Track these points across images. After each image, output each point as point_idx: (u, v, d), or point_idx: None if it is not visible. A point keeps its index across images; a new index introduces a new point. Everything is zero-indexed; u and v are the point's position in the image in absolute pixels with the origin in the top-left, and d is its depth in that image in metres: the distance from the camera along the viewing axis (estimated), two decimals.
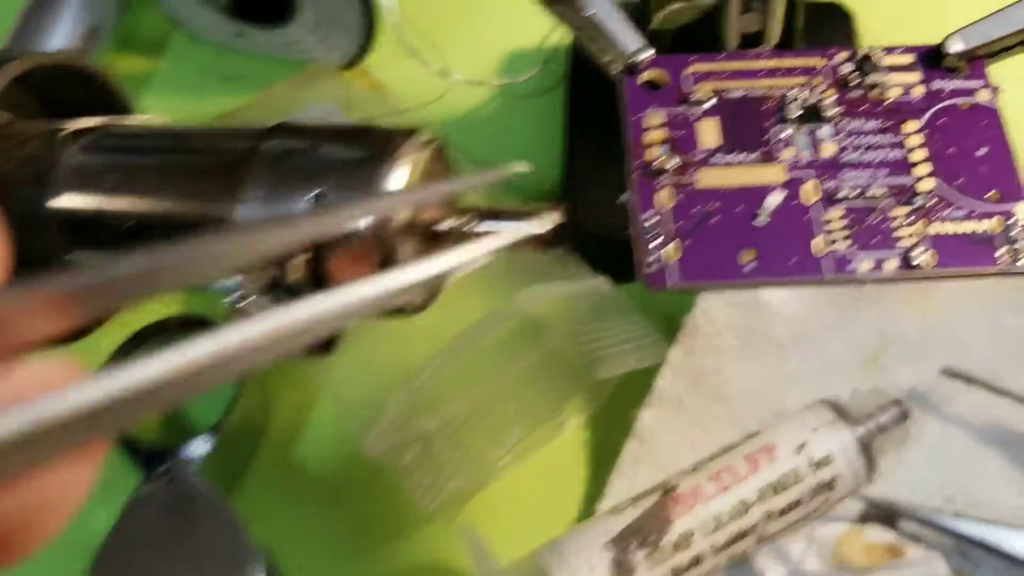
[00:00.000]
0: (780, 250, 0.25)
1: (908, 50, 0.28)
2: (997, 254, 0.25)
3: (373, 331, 0.36)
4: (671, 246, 0.25)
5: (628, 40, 0.27)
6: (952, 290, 0.38)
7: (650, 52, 0.26)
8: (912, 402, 0.37)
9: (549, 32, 0.43)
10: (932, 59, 0.28)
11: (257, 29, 0.43)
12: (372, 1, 0.40)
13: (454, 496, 0.34)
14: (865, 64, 0.27)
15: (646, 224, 0.25)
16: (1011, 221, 0.25)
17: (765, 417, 0.37)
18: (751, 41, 0.32)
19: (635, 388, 0.37)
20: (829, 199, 0.25)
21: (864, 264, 0.25)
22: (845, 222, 0.25)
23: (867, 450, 0.34)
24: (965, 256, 0.25)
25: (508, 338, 0.37)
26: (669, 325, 0.37)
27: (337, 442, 0.37)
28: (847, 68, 0.27)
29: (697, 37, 0.34)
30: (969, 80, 0.27)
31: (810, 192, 0.25)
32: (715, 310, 0.37)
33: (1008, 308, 0.38)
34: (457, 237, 0.27)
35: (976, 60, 0.28)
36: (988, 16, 0.27)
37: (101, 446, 0.12)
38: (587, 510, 0.37)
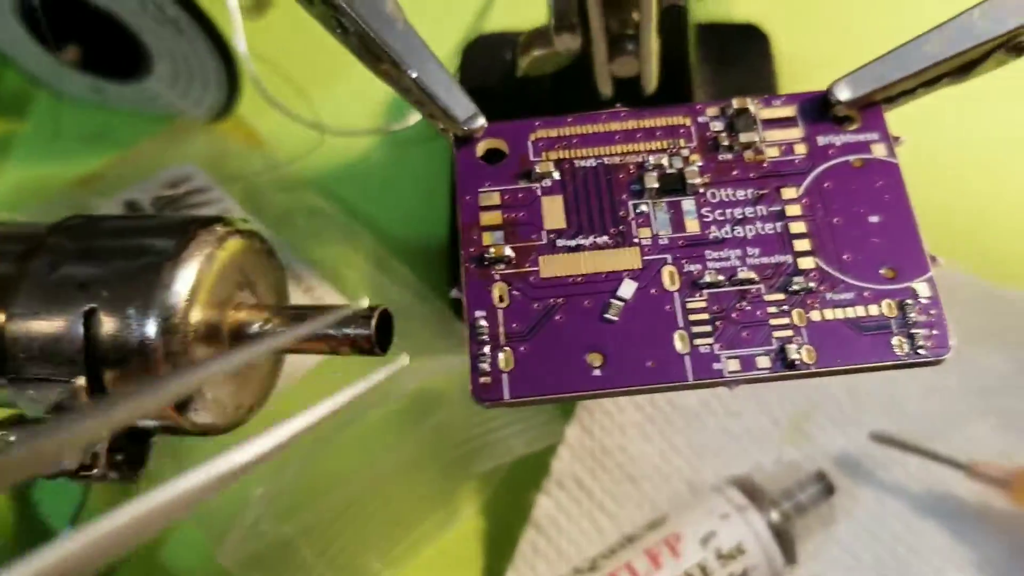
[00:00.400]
0: (634, 351, 0.21)
1: (790, 99, 0.24)
2: (893, 342, 0.21)
3: None
4: (504, 353, 0.21)
5: (457, 106, 0.23)
6: None
7: (480, 121, 0.23)
8: (842, 472, 0.33)
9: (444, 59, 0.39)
10: (819, 109, 0.24)
11: (115, 84, 0.39)
12: (231, 52, 0.36)
13: None
14: (738, 120, 0.23)
15: (477, 327, 0.21)
16: (909, 302, 0.22)
17: (679, 495, 0.33)
18: (629, 87, 0.29)
19: (533, 470, 0.33)
20: (692, 286, 0.22)
21: (732, 363, 0.21)
22: (709, 313, 0.21)
23: (783, 535, 0.30)
24: (853, 348, 0.21)
25: (390, 420, 0.33)
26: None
27: (196, 549, 0.33)
28: (717, 126, 0.24)
29: (575, 86, 0.30)
30: (862, 132, 0.24)
31: (669, 279, 0.22)
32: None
33: (943, 364, 0.34)
34: (265, 339, 0.23)
35: (872, 107, 0.24)
36: (882, 56, 0.24)
37: None
38: None
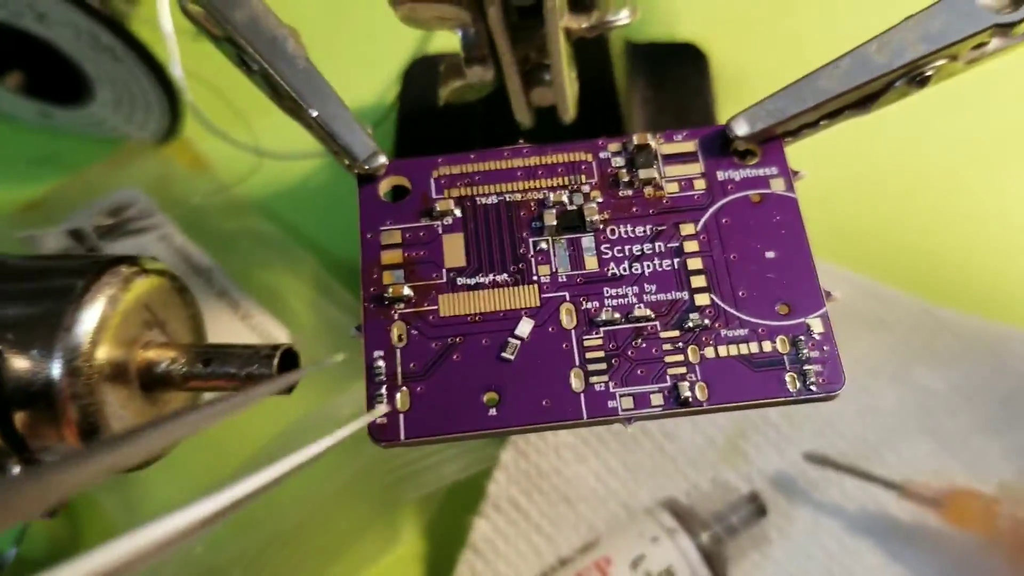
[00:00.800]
0: (531, 390, 0.21)
1: (691, 135, 0.24)
2: (786, 378, 0.21)
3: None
4: (401, 393, 0.21)
5: (357, 145, 0.23)
6: None
7: (381, 160, 0.23)
8: (778, 492, 0.34)
9: (380, 94, 0.39)
10: (720, 144, 0.24)
11: (61, 109, 0.40)
12: (168, 77, 0.36)
13: None
14: (639, 156, 0.24)
15: (374, 367, 0.21)
16: (802, 338, 0.22)
17: (615, 516, 0.33)
18: (550, 116, 0.29)
19: (470, 493, 0.34)
20: (589, 323, 0.22)
21: (626, 401, 0.21)
22: (605, 351, 0.21)
23: (713, 558, 0.30)
24: (745, 384, 0.21)
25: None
26: None
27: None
28: (618, 162, 0.24)
29: (503, 111, 0.31)
30: (762, 167, 0.24)
31: (567, 316, 0.22)
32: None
33: (879, 384, 0.34)
34: (178, 381, 0.23)
35: (772, 141, 0.24)
36: (782, 90, 0.24)
37: None
38: None
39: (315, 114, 0.23)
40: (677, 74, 0.38)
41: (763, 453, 0.34)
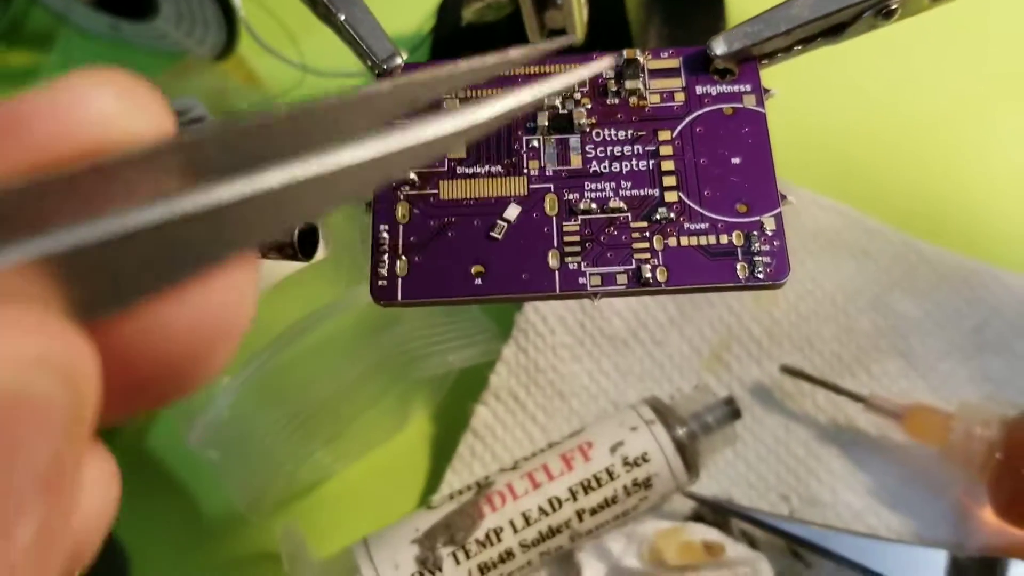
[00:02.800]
0: (512, 265, 0.24)
1: (676, 53, 0.27)
2: (737, 267, 0.24)
3: None
4: (401, 261, 0.25)
5: (378, 46, 0.26)
6: (802, 290, 0.37)
7: (398, 60, 0.26)
8: (754, 399, 0.37)
9: (419, 25, 0.42)
10: (701, 62, 0.27)
11: (129, 23, 0.44)
12: None
13: (277, 496, 0.35)
14: (627, 69, 0.27)
15: (379, 238, 0.25)
16: (755, 233, 0.25)
17: (604, 413, 0.37)
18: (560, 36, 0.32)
19: (474, 383, 0.37)
20: (569, 212, 0.25)
21: (595, 279, 0.24)
22: (581, 236, 0.25)
23: (686, 450, 0.34)
24: (701, 270, 0.24)
25: (348, 329, 0.37)
26: (508, 320, 0.37)
27: (170, 433, 0.37)
28: (608, 73, 0.27)
29: (524, 36, 0.34)
30: (737, 84, 0.26)
31: (550, 205, 0.25)
32: (545, 308, 0.36)
33: (857, 308, 0.37)
34: None
35: (749, 62, 0.27)
36: (758, 15, 0.26)
37: (252, 258, 0.12)
38: (424, 504, 0.37)
39: (343, 18, 0.26)
40: (692, 16, 0.40)
41: (744, 365, 0.37)
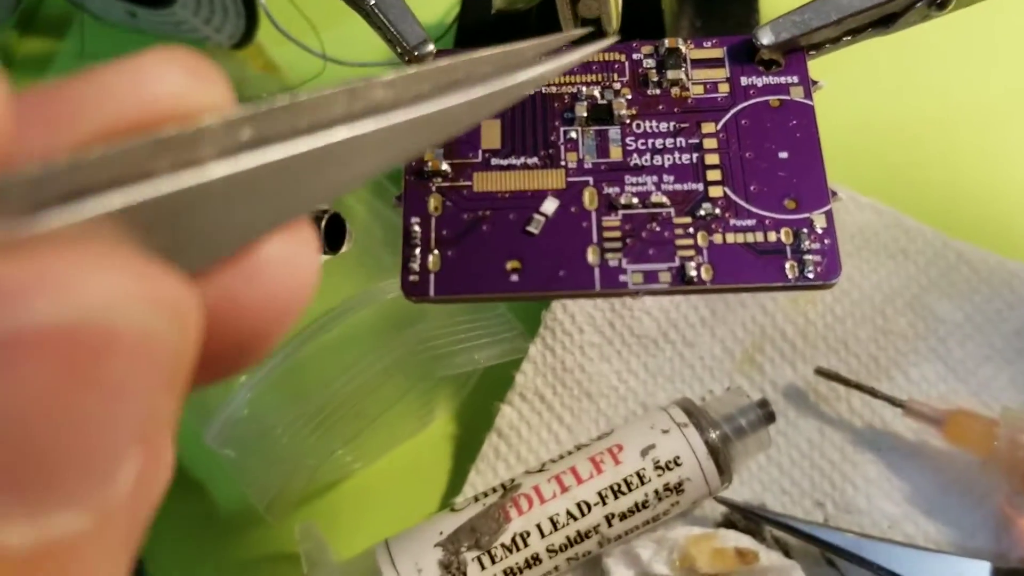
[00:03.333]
0: (550, 261, 0.24)
1: (720, 42, 0.26)
2: (786, 266, 0.23)
3: None
4: (433, 256, 0.24)
5: (409, 32, 0.25)
6: (838, 290, 0.36)
7: (429, 47, 0.25)
8: (788, 403, 0.36)
9: (443, 15, 0.41)
10: (746, 52, 0.26)
11: (146, 10, 0.43)
12: None
13: (295, 496, 0.34)
14: (669, 58, 0.25)
15: (411, 231, 0.24)
16: (805, 230, 0.24)
17: (633, 414, 0.36)
18: (596, 28, 0.31)
19: (499, 382, 0.36)
20: (609, 206, 0.24)
21: (636, 276, 0.23)
22: (621, 231, 0.24)
23: (719, 454, 0.33)
24: (748, 268, 0.23)
25: (371, 325, 0.36)
26: (535, 318, 0.36)
27: (184, 429, 0.36)
28: (649, 63, 0.26)
29: (554, 21, 0.33)
30: (784, 75, 0.25)
31: (589, 199, 0.24)
32: (573, 305, 0.35)
33: (895, 309, 0.36)
34: None
35: (796, 53, 0.26)
36: (807, 4, 0.25)
37: (315, 241, 0.13)
38: (447, 505, 0.36)
39: (372, 2, 0.25)
40: (725, 5, 0.39)
41: (777, 367, 0.36)
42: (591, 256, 0.24)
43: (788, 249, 0.24)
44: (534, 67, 0.13)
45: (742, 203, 0.24)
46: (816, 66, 0.26)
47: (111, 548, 0.09)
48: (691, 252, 0.23)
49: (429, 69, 0.12)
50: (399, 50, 0.26)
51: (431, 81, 0.12)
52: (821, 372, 0.35)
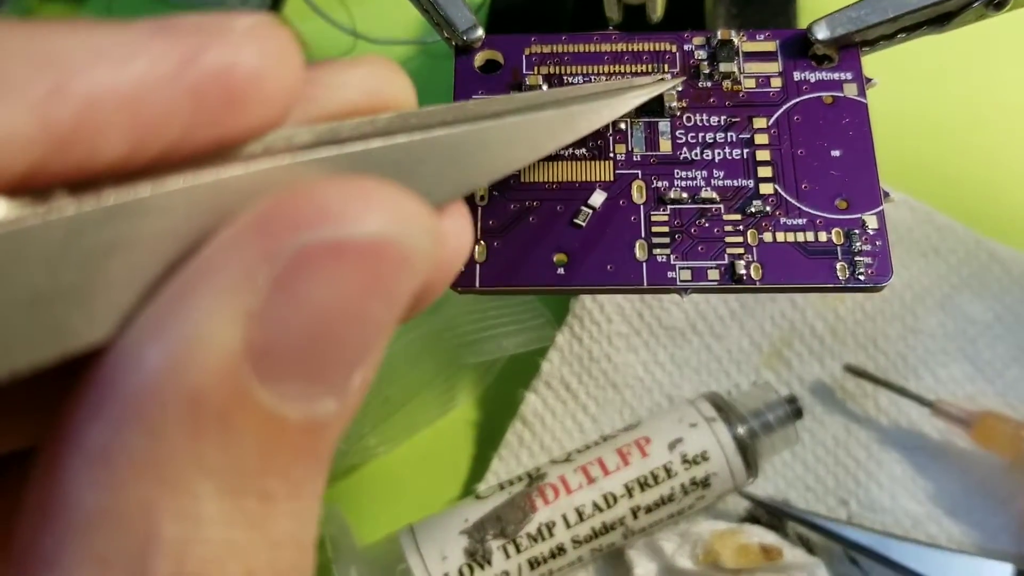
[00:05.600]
0: (597, 255, 0.23)
1: (774, 35, 0.25)
2: (837, 267, 0.23)
3: None
4: (479, 246, 0.23)
5: (459, 17, 0.25)
6: None
7: (479, 32, 0.25)
8: (814, 399, 0.35)
9: None
10: (799, 47, 0.25)
11: None
12: None
13: None
14: (721, 51, 0.25)
15: None
16: (856, 231, 0.23)
17: (658, 406, 0.36)
18: (638, 14, 0.30)
19: (524, 369, 0.36)
20: (657, 200, 0.24)
21: (685, 273, 0.23)
22: (670, 227, 0.23)
23: (747, 449, 0.32)
24: (798, 269, 0.23)
25: None
26: (562, 306, 0.36)
27: None
28: (701, 55, 0.25)
29: (593, 7, 0.32)
30: (837, 71, 0.25)
31: (637, 192, 0.24)
32: (602, 295, 0.35)
33: (925, 308, 0.36)
34: None
35: (850, 48, 0.25)
36: (862, 0, 0.25)
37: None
38: (469, 491, 0.36)
39: None
40: (759, 7, 0.39)
41: (805, 363, 0.36)
42: (639, 251, 0.23)
43: (839, 250, 0.23)
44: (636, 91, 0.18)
45: (793, 201, 0.23)
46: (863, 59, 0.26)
47: (338, 435, 0.11)
48: (740, 250, 0.23)
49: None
50: (446, 35, 0.25)
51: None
52: (850, 369, 0.35)
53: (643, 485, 0.32)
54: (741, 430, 0.32)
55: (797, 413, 0.34)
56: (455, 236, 0.15)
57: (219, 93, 0.10)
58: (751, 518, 0.34)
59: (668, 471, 0.32)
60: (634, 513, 0.32)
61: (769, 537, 0.33)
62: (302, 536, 0.11)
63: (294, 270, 0.10)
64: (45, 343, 0.09)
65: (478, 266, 0.23)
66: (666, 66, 0.25)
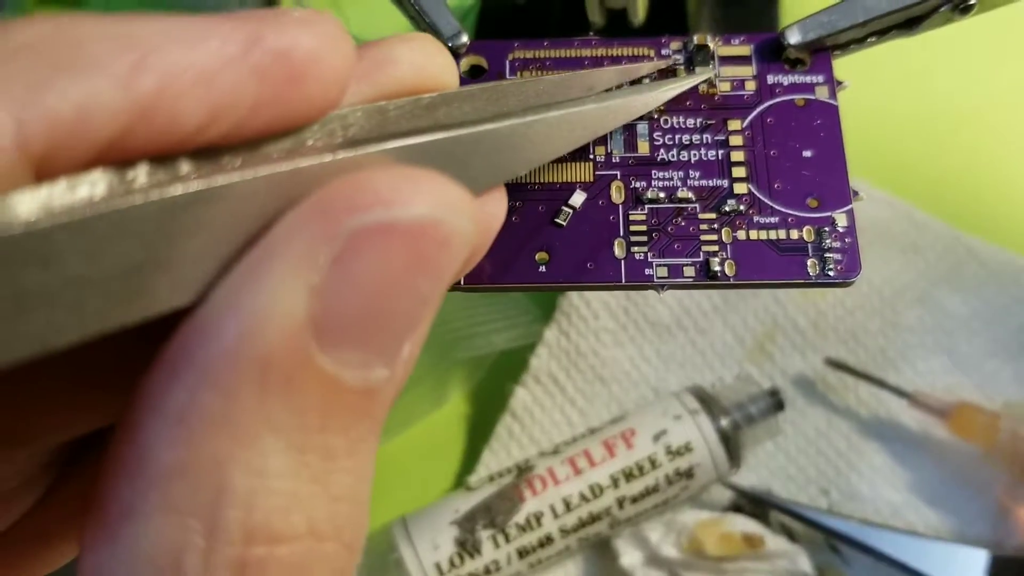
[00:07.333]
0: (577, 253, 0.24)
1: (748, 39, 0.26)
2: (808, 263, 0.24)
3: None
4: None
5: (444, 24, 0.26)
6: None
7: (463, 39, 0.26)
8: (796, 391, 0.36)
9: None
10: (773, 51, 0.26)
11: None
12: None
13: None
14: (697, 55, 0.26)
15: None
16: (827, 229, 0.24)
17: (644, 399, 0.36)
18: (621, 18, 0.31)
19: (513, 365, 0.37)
20: (635, 200, 0.24)
21: (661, 270, 0.24)
22: (647, 225, 0.24)
23: (730, 441, 0.33)
24: (770, 265, 0.24)
25: None
26: (550, 303, 0.37)
27: None
28: (678, 59, 0.26)
29: (578, 11, 0.33)
30: (809, 74, 0.26)
31: (616, 192, 0.25)
32: (589, 292, 0.36)
33: (904, 303, 0.37)
34: None
35: (822, 52, 0.26)
36: (834, 5, 0.26)
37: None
38: (460, 483, 0.37)
39: None
40: (743, 9, 0.40)
41: (787, 356, 0.36)
42: (618, 250, 0.24)
43: (810, 247, 0.24)
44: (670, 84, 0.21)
45: (766, 200, 0.24)
46: (836, 62, 0.27)
47: (391, 401, 0.12)
48: (715, 248, 0.24)
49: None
50: None
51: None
52: (831, 362, 0.36)
53: (628, 476, 0.33)
54: (724, 422, 0.33)
55: (779, 405, 0.34)
56: (494, 217, 0.18)
57: (281, 71, 0.12)
58: (734, 507, 0.35)
59: (653, 462, 0.33)
60: (620, 503, 0.33)
61: (752, 526, 0.34)
62: (359, 492, 0.12)
63: (350, 249, 0.11)
64: (136, 306, 0.11)
65: None
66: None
